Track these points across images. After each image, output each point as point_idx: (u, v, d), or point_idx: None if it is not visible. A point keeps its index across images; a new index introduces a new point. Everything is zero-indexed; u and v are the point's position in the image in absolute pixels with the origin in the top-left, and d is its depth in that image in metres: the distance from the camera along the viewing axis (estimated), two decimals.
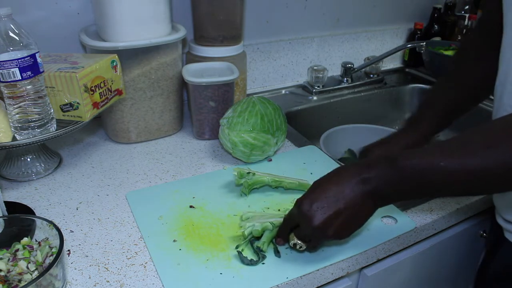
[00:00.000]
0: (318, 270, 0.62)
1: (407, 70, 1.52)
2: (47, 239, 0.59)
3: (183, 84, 0.99)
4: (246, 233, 0.64)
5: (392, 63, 1.54)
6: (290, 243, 0.60)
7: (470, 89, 0.76)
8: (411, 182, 0.51)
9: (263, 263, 0.62)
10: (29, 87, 0.70)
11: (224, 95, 0.94)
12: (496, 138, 0.46)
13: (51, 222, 0.58)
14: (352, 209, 0.54)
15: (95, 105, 0.80)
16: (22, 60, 0.67)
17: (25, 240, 0.59)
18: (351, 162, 0.64)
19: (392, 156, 0.52)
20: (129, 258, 0.64)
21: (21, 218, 0.61)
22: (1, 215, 0.64)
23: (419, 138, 0.77)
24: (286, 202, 0.76)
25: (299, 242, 0.59)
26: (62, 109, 0.79)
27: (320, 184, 0.56)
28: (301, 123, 1.17)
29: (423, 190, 0.52)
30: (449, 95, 0.77)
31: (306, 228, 0.56)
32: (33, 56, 0.69)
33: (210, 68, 0.99)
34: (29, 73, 0.69)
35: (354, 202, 0.54)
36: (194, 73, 0.95)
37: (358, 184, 0.53)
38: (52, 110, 0.76)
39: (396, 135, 0.79)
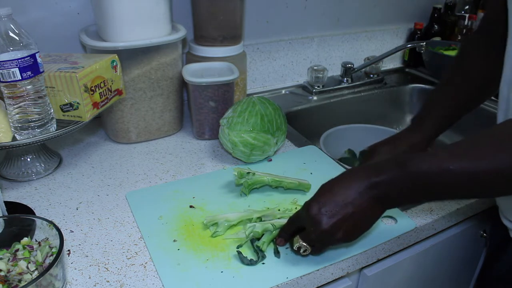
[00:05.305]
0: (318, 270, 0.62)
1: (407, 70, 1.52)
2: (47, 239, 0.59)
3: (183, 84, 0.99)
4: (246, 233, 0.64)
5: (392, 63, 1.54)
6: (294, 246, 0.60)
7: (474, 88, 0.76)
8: (421, 186, 0.51)
9: (263, 263, 0.62)
10: (29, 87, 0.70)
11: (224, 95, 0.94)
12: (506, 140, 0.46)
13: (51, 222, 0.58)
14: (360, 213, 0.54)
15: (95, 105, 0.80)
16: (22, 60, 0.67)
17: (25, 240, 0.59)
18: (358, 163, 0.64)
19: (401, 161, 0.52)
20: (129, 258, 0.64)
21: (21, 218, 0.61)
22: (1, 215, 0.64)
23: (424, 137, 0.77)
24: (286, 202, 0.76)
25: (304, 244, 0.59)
26: (62, 109, 0.79)
27: (329, 188, 0.56)
28: (301, 123, 1.17)
29: (433, 194, 0.52)
30: (453, 95, 0.77)
31: (313, 232, 0.56)
32: (33, 56, 0.69)
33: (210, 68, 0.99)
34: (29, 73, 0.69)
35: (362, 206, 0.54)
36: (194, 73, 0.95)
37: (367, 189, 0.53)
38: (52, 110, 0.76)
39: (400, 134, 0.79)
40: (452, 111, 0.78)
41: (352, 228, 0.56)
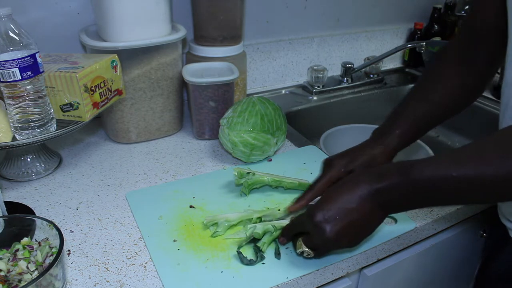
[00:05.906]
0: (318, 270, 0.62)
1: (407, 70, 1.52)
2: (47, 239, 0.59)
3: (183, 84, 0.99)
4: (247, 234, 0.65)
5: (392, 63, 1.54)
6: (298, 251, 0.61)
7: (441, 104, 0.73)
8: (424, 193, 0.51)
9: (263, 263, 0.62)
10: (29, 87, 0.70)
11: (224, 95, 0.94)
12: (510, 146, 0.45)
13: (51, 222, 0.58)
14: (363, 219, 0.55)
15: (95, 105, 0.80)
16: (22, 60, 0.67)
17: (25, 240, 0.59)
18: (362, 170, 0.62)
19: (404, 167, 0.52)
20: (129, 258, 0.64)
21: (21, 218, 0.61)
22: (1, 215, 0.64)
23: (385, 150, 0.72)
24: (286, 202, 0.76)
25: (307, 250, 0.59)
26: (62, 109, 0.79)
27: (332, 195, 0.56)
28: (301, 123, 1.17)
29: (436, 200, 0.52)
30: (421, 108, 0.72)
31: (317, 239, 0.57)
32: (33, 56, 0.69)
33: (210, 68, 0.99)
34: (29, 73, 0.69)
35: (365, 213, 0.54)
36: (194, 73, 0.95)
37: (370, 195, 0.54)
38: (52, 110, 0.76)
39: (360, 146, 0.74)
40: (419, 125, 0.73)
41: (355, 234, 0.57)
